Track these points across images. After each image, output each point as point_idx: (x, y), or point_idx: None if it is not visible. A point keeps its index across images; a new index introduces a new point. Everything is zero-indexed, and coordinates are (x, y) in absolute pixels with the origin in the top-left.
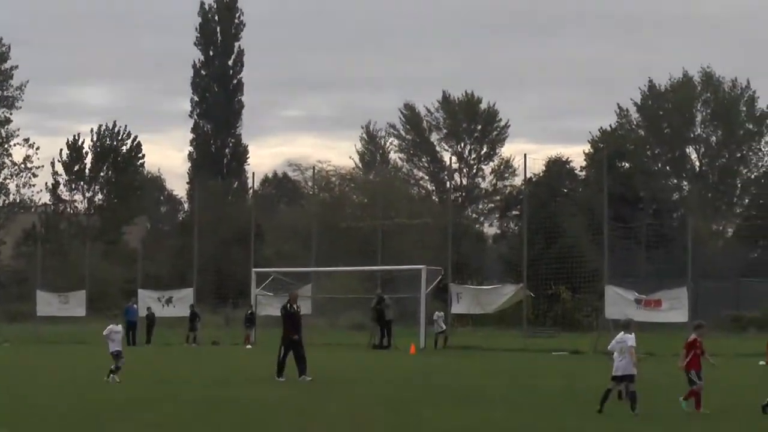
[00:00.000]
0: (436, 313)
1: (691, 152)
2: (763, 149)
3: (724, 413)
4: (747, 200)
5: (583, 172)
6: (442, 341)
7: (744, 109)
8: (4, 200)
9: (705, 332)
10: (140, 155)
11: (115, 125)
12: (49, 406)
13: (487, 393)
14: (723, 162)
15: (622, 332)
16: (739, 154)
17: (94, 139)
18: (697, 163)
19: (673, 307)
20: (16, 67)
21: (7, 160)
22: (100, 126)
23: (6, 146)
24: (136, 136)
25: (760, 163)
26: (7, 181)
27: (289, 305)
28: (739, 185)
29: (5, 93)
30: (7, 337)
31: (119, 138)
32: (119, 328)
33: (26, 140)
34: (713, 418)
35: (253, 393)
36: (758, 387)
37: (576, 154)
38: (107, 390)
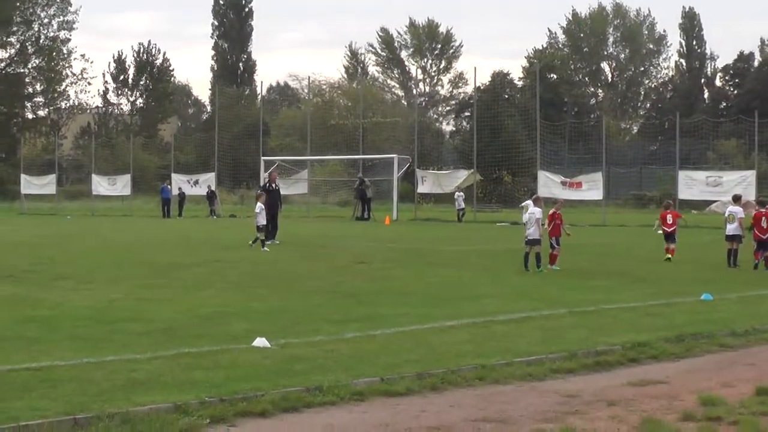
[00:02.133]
0: (457, 192)
1: (605, 66)
2: (661, 64)
3: (629, 269)
4: (648, 105)
5: (521, 82)
6: (460, 215)
7: (646, 32)
8: (66, 103)
9: (561, 206)
10: (170, 68)
11: (149, 44)
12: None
13: (444, 255)
14: (630, 74)
15: (532, 205)
16: (642, 68)
17: (135, 55)
18: (610, 75)
19: (591, 188)
20: None
21: (68, 71)
22: (140, 44)
23: (67, 60)
24: (165, 53)
25: (658, 76)
26: (68, 88)
27: (267, 184)
28: (642, 93)
29: (65, 18)
30: (69, 212)
31: (153, 54)
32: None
33: (83, 55)
34: (609, 271)
35: (257, 255)
36: (653, 248)
37: (515, 68)
38: (166, 252)
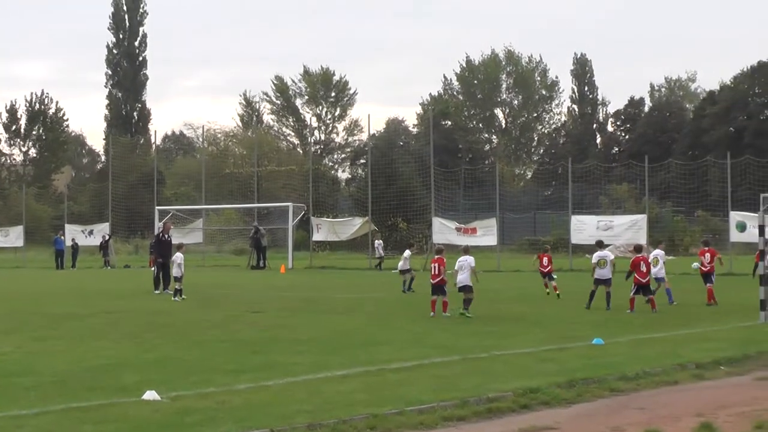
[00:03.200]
0: (377, 241)
1: (499, 113)
2: (554, 110)
3: (523, 313)
4: (542, 150)
5: (415, 129)
6: (377, 264)
7: (539, 78)
8: None
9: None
10: (64, 117)
11: (42, 93)
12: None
13: (339, 303)
14: (523, 120)
15: (464, 255)
16: (535, 114)
17: (27, 104)
18: (503, 121)
19: (486, 234)
20: None
21: None
22: (32, 93)
23: None
24: (58, 102)
25: (551, 121)
26: None
27: (161, 234)
28: (536, 138)
29: None
30: None
31: (45, 103)
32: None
33: None
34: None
35: (152, 304)
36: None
37: (409, 114)
38: (59, 303)
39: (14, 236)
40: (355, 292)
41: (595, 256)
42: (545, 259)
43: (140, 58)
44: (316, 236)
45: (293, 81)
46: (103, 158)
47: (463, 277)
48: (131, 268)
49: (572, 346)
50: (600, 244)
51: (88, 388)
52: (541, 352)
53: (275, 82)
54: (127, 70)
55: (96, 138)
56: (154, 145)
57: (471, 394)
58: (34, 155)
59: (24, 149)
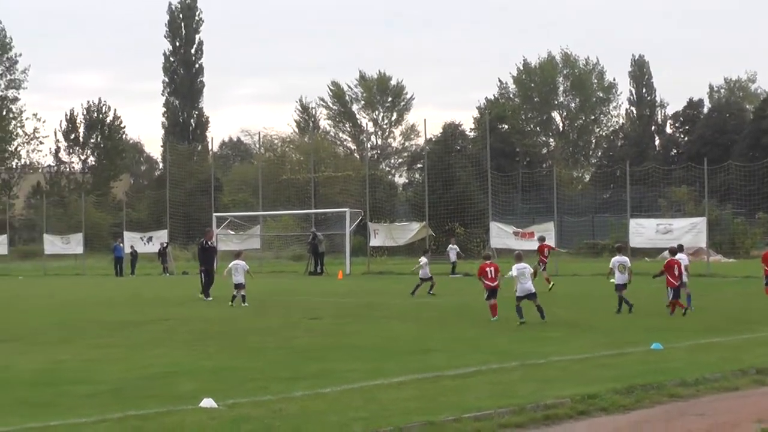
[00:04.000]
0: (450, 245)
1: (556, 116)
2: (611, 112)
3: (581, 319)
4: (600, 153)
5: (472, 133)
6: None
7: (596, 81)
8: (17, 163)
9: None
10: (121, 125)
11: (100, 101)
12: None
13: (396, 308)
14: (580, 123)
15: (519, 262)
16: (592, 117)
17: (85, 113)
18: (561, 124)
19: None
20: (20, 54)
21: (20, 131)
22: (89, 102)
23: (18, 119)
24: (115, 110)
25: (609, 124)
26: (20, 148)
27: (204, 241)
28: (593, 141)
29: (13, 77)
30: (21, 272)
31: (103, 112)
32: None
33: (35, 114)
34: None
35: (208, 311)
36: (605, 297)
37: (466, 119)
38: (118, 310)
39: (74, 243)
40: (413, 298)
41: (614, 261)
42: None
43: (196, 66)
44: (374, 241)
45: (349, 86)
46: (160, 165)
47: (528, 285)
48: (189, 274)
49: (630, 352)
50: (619, 249)
51: (145, 396)
52: (598, 358)
53: (332, 87)
54: (183, 78)
55: (154, 145)
56: (211, 152)
57: (528, 400)
58: (93, 163)
59: (83, 157)
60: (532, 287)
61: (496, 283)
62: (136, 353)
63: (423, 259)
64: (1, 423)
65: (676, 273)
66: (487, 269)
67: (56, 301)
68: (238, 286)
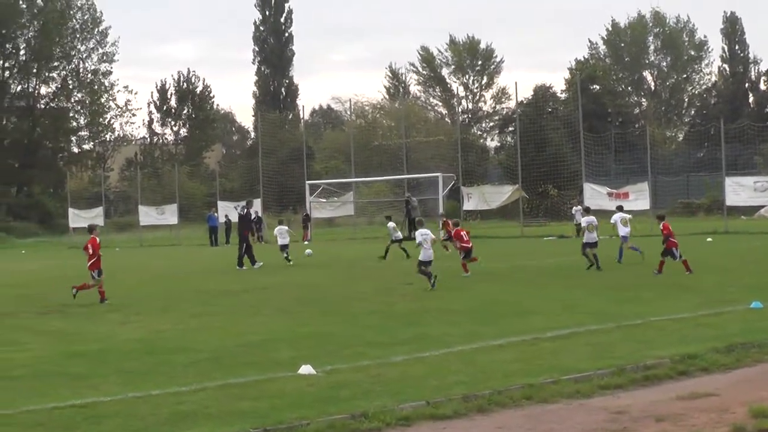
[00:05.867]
0: (575, 207)
1: (647, 75)
2: (704, 70)
3: (677, 279)
4: (693, 111)
5: (563, 95)
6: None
7: (686, 39)
8: (111, 136)
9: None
10: (211, 95)
11: (189, 72)
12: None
13: (491, 271)
14: (672, 82)
15: (588, 216)
16: (684, 75)
17: (175, 84)
18: (652, 84)
19: (638, 198)
20: (111, 28)
21: (113, 104)
22: (179, 73)
23: (111, 93)
24: (204, 79)
25: (701, 82)
26: (113, 120)
27: (243, 209)
28: (686, 100)
29: (104, 50)
30: (117, 244)
31: (193, 82)
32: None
33: (126, 87)
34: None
35: (304, 278)
36: (703, 256)
37: (557, 80)
38: (214, 279)
39: (169, 214)
40: (507, 261)
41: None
42: (464, 234)
43: (286, 34)
44: (467, 205)
45: (439, 51)
46: (252, 135)
47: (594, 235)
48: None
49: (729, 311)
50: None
51: (244, 363)
52: (697, 317)
53: (421, 52)
54: (273, 47)
55: (245, 115)
56: (302, 120)
57: (627, 361)
58: (185, 134)
59: (175, 129)
60: (596, 237)
61: (471, 245)
62: (234, 321)
63: (391, 224)
64: (103, 392)
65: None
66: (462, 233)
67: (153, 271)
68: (283, 248)
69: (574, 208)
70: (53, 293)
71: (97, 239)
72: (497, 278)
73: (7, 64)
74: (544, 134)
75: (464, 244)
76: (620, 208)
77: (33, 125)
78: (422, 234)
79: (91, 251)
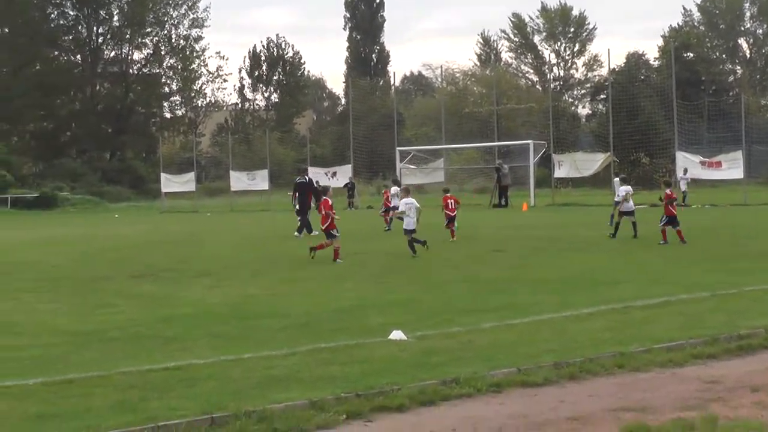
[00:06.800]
0: (681, 175)
1: (742, 42)
2: None
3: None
4: None
5: (656, 62)
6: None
7: None
8: (202, 101)
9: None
10: (301, 61)
11: (277, 37)
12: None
13: (581, 240)
14: None
15: (625, 185)
16: None
17: (265, 50)
18: (747, 51)
19: (731, 167)
20: None
21: (204, 70)
22: (268, 39)
23: (203, 58)
24: (293, 45)
25: None
26: (204, 86)
27: (298, 178)
28: None
29: (195, 15)
30: (208, 209)
31: (283, 48)
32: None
33: (218, 53)
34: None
35: (392, 246)
36: None
37: (650, 48)
38: (304, 245)
39: (260, 180)
40: (598, 230)
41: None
42: (450, 202)
43: (377, 1)
44: (558, 173)
45: (531, 18)
46: (343, 101)
47: (630, 204)
48: (374, 209)
49: None
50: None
51: (335, 329)
52: None
53: (513, 19)
54: (364, 13)
55: (336, 81)
56: (393, 87)
57: (720, 331)
58: (276, 100)
59: (266, 94)
60: (632, 206)
61: (454, 213)
62: (324, 287)
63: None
64: (195, 356)
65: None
66: (449, 201)
67: (244, 236)
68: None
69: (680, 175)
70: (146, 257)
71: (330, 201)
72: (586, 247)
73: (101, 30)
74: (637, 102)
75: (447, 212)
76: (624, 180)
77: (126, 91)
78: (406, 203)
79: (323, 212)
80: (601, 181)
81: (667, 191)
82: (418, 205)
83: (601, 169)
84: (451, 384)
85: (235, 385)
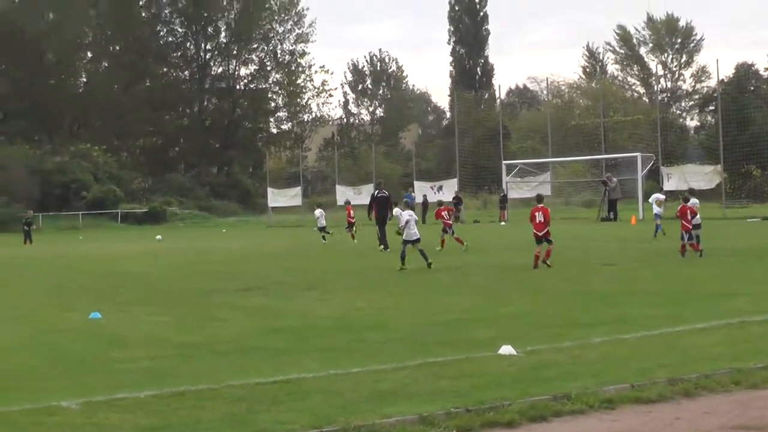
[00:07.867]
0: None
1: None
2: None
3: None
4: None
5: (766, 73)
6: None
7: None
8: (308, 116)
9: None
10: (404, 75)
11: (380, 52)
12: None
13: (691, 254)
14: None
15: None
16: None
17: (369, 64)
18: None
19: None
20: (308, 8)
21: (309, 85)
22: (371, 53)
23: (308, 73)
24: (396, 59)
25: None
26: (310, 101)
27: (376, 192)
28: None
29: (300, 31)
30: (315, 223)
31: (386, 62)
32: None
33: (322, 67)
34: None
35: (500, 258)
36: None
37: (760, 58)
38: (410, 259)
39: (366, 193)
40: (707, 242)
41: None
42: (445, 213)
43: (481, 14)
44: (667, 185)
45: (637, 29)
46: (448, 115)
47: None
48: (480, 223)
49: None
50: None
51: (442, 342)
52: None
53: (618, 31)
54: (468, 26)
55: (440, 95)
56: (498, 100)
57: None
58: (381, 114)
59: (371, 109)
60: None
61: (449, 224)
62: (430, 300)
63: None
64: (303, 369)
65: (689, 218)
66: (444, 213)
67: (351, 249)
68: (321, 229)
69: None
70: (253, 270)
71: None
72: (699, 260)
73: (208, 47)
74: (747, 113)
75: (445, 222)
76: (661, 190)
77: (233, 106)
78: (409, 214)
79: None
80: (710, 194)
81: None
82: (416, 218)
83: (714, 185)
84: (563, 399)
85: (344, 398)
